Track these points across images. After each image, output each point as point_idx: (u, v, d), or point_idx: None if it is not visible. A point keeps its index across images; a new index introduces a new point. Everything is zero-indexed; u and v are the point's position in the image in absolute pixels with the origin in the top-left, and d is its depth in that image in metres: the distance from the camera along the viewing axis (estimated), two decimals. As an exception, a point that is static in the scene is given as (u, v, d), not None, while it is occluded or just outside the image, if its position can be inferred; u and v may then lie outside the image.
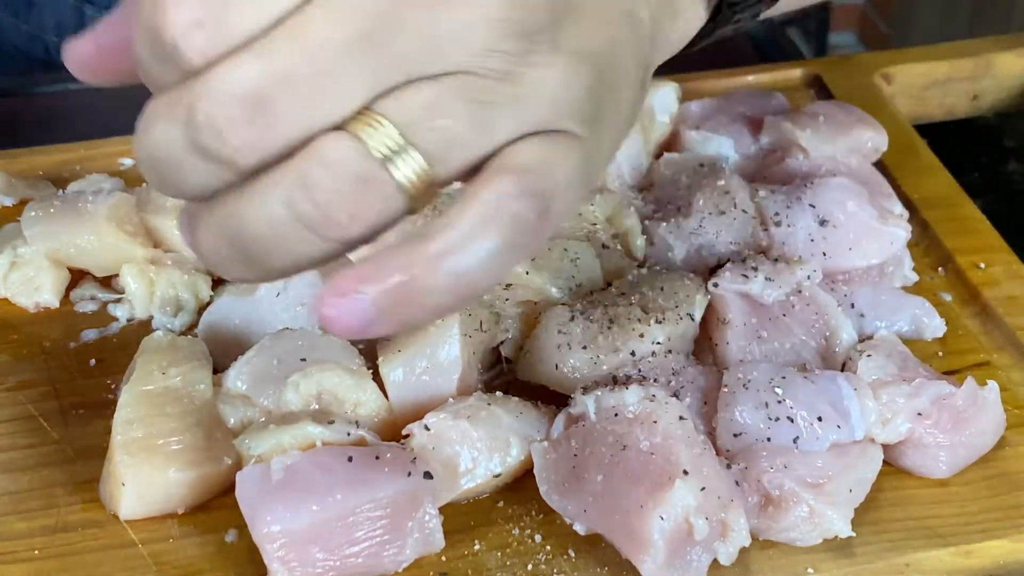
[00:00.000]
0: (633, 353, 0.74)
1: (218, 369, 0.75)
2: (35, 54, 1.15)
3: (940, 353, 0.81)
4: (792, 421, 0.70)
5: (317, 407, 0.72)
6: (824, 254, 0.82)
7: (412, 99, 0.48)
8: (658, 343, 0.74)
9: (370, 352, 0.75)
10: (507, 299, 0.78)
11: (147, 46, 0.48)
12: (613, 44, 0.52)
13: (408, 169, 0.48)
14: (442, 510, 0.67)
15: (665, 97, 0.95)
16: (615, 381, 0.72)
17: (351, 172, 0.47)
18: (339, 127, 0.47)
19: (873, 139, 0.93)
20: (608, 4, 0.52)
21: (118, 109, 1.04)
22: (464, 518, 0.70)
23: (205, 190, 0.49)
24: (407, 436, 0.70)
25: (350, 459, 0.66)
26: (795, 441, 0.70)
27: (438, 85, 0.48)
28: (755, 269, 0.79)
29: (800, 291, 0.79)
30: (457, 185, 0.51)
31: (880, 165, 0.93)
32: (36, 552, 0.68)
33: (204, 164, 0.48)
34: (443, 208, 0.50)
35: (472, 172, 0.50)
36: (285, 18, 0.46)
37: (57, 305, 0.83)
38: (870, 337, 0.80)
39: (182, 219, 0.52)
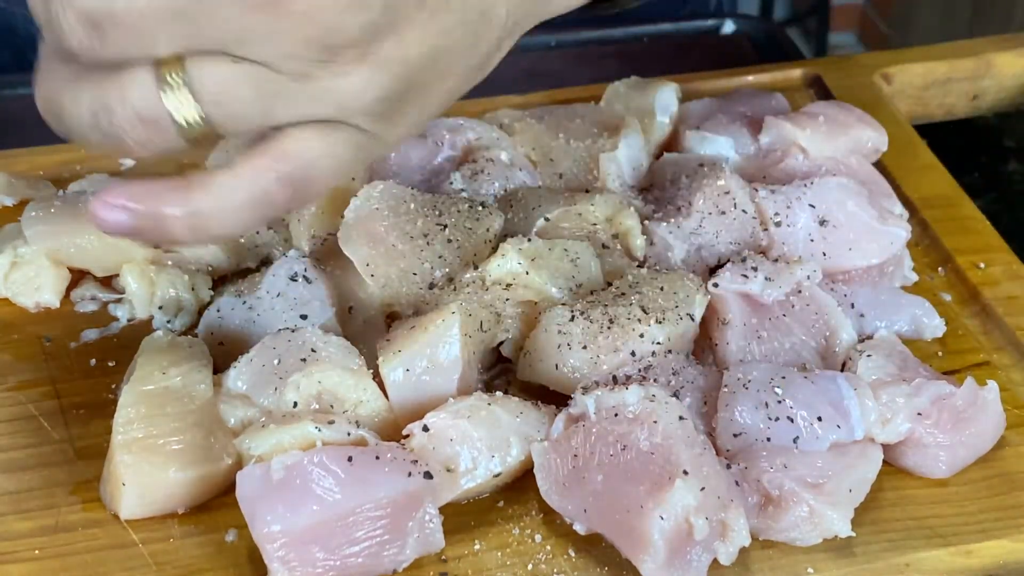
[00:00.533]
0: (633, 353, 0.74)
1: (218, 369, 0.75)
2: None
3: (940, 353, 0.81)
4: (792, 421, 0.70)
5: (317, 407, 0.72)
6: (824, 254, 0.82)
7: (212, 70, 0.56)
8: (658, 343, 0.74)
9: (370, 352, 0.75)
10: (507, 299, 0.78)
11: None
12: (437, 51, 0.60)
13: (192, 122, 0.57)
14: (442, 510, 0.67)
15: (665, 97, 0.95)
16: (615, 381, 0.72)
17: (143, 111, 0.57)
18: (155, 62, 0.56)
19: (873, 139, 0.93)
20: (446, 15, 0.59)
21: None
22: (464, 518, 0.70)
23: (64, 67, 0.59)
24: (407, 436, 0.70)
25: (350, 459, 0.66)
26: (795, 441, 0.70)
27: (237, 67, 0.56)
28: (755, 269, 0.79)
29: (800, 291, 0.79)
30: None
31: (880, 165, 0.93)
32: (36, 552, 0.68)
33: (51, 43, 0.58)
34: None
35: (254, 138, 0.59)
36: None
37: (57, 305, 0.83)
38: (870, 337, 0.80)
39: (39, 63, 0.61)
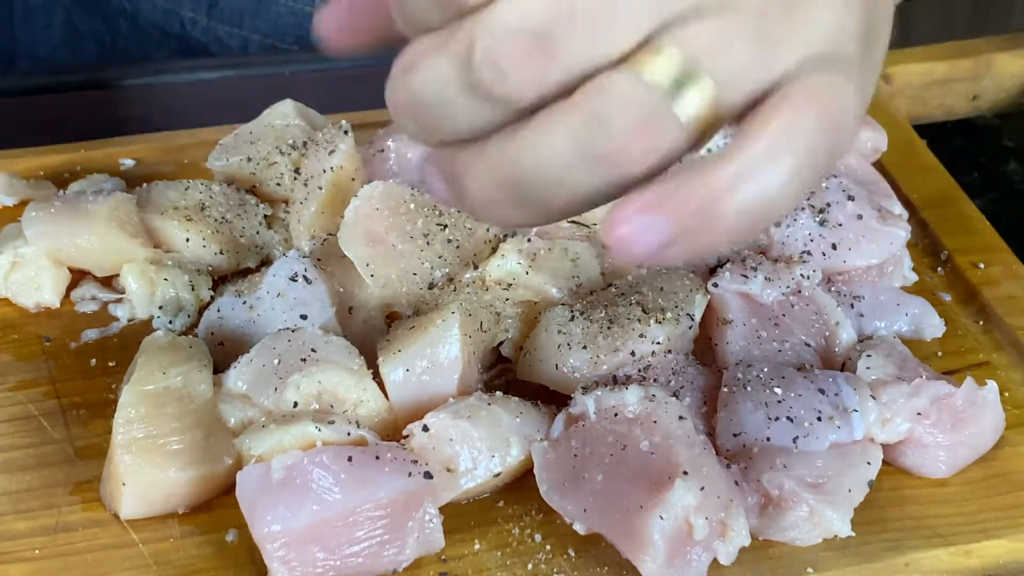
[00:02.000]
0: (633, 353, 0.74)
1: (218, 369, 0.75)
2: (171, 30, 1.17)
3: (940, 353, 0.81)
4: (792, 421, 0.70)
5: (317, 407, 0.72)
6: (824, 254, 0.82)
7: (697, 30, 0.47)
8: (658, 343, 0.74)
9: (370, 352, 0.75)
10: (507, 299, 0.78)
11: None
12: None
13: (695, 97, 0.47)
14: (442, 510, 0.67)
15: (665, 97, 0.95)
16: (615, 381, 0.72)
17: (641, 105, 0.46)
18: (621, 60, 0.47)
19: (873, 139, 0.93)
20: None
21: (118, 109, 1.04)
22: (464, 518, 0.70)
23: (471, 132, 0.49)
24: (407, 436, 0.70)
25: (350, 459, 0.66)
26: (795, 441, 0.70)
27: (721, 20, 0.47)
28: (755, 269, 0.79)
29: (800, 291, 0.79)
30: None
31: (880, 165, 0.93)
32: (36, 552, 0.68)
33: (476, 104, 0.48)
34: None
35: (750, 108, 0.49)
36: None
37: (58, 305, 0.83)
38: (870, 337, 0.80)
39: (430, 169, 0.51)
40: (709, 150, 0.54)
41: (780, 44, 0.48)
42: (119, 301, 0.84)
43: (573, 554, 0.69)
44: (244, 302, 0.79)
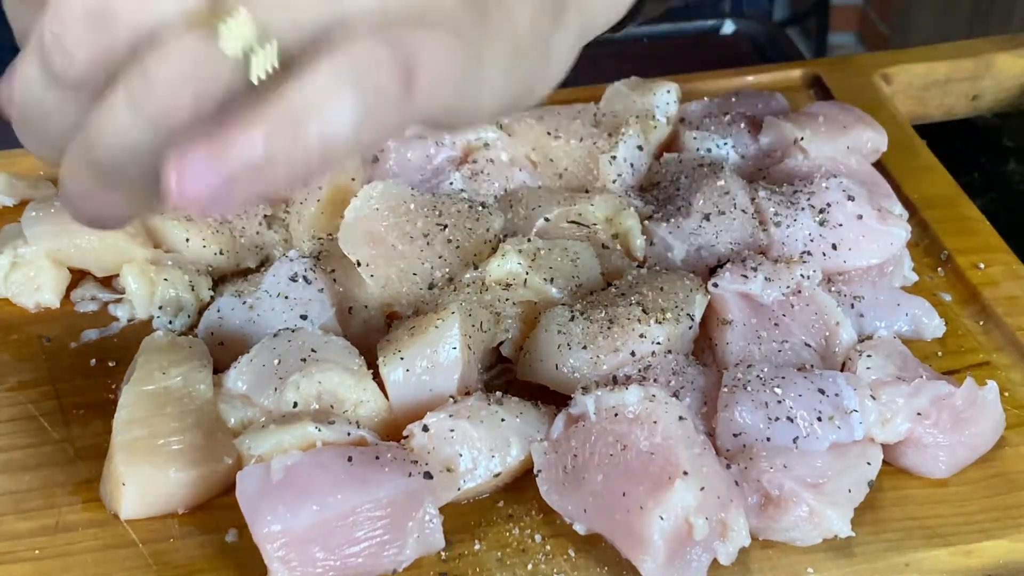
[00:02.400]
0: (633, 353, 0.74)
1: (218, 369, 0.75)
2: None
3: (940, 353, 0.81)
4: (792, 421, 0.70)
5: (317, 407, 0.72)
6: (824, 254, 0.82)
7: None
8: (658, 343, 0.74)
9: (370, 352, 0.75)
10: (507, 299, 0.78)
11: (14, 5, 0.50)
12: None
13: (251, 44, 0.46)
14: (442, 510, 0.67)
15: (665, 97, 0.95)
16: (615, 381, 0.72)
17: (189, 54, 0.46)
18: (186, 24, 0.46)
19: (873, 139, 0.93)
20: None
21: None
22: (464, 518, 0.70)
23: (68, 130, 0.48)
24: (407, 436, 0.70)
25: (350, 459, 0.66)
26: (795, 441, 0.70)
27: None
28: (755, 269, 0.79)
29: (800, 291, 0.79)
30: None
31: (880, 165, 0.93)
32: (37, 552, 0.68)
33: (61, 96, 0.48)
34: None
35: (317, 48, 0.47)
36: None
37: (58, 305, 0.83)
38: (870, 337, 0.80)
39: (60, 186, 0.51)
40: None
41: None
42: (119, 301, 0.84)
43: (573, 554, 0.69)
44: (244, 302, 0.79)
